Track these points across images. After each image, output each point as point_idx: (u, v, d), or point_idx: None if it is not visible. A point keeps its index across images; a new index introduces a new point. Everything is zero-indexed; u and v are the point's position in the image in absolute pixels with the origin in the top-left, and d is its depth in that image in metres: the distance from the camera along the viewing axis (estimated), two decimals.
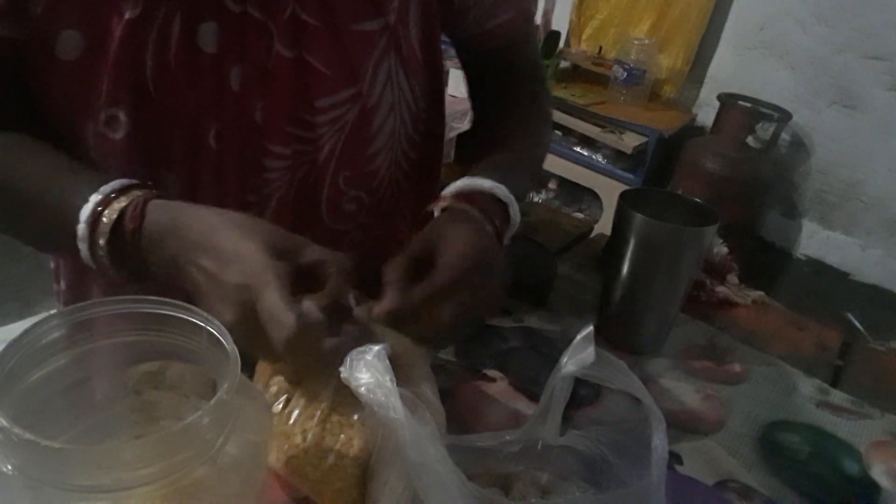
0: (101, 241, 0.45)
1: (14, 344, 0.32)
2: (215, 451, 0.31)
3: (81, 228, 0.45)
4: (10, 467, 0.28)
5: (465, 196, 0.57)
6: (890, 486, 0.56)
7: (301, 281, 0.43)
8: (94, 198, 0.46)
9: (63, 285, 0.68)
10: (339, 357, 0.42)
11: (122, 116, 0.52)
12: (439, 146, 0.73)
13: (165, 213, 0.46)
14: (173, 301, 0.36)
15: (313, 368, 0.45)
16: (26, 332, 0.33)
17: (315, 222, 0.63)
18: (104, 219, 0.45)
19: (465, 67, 0.77)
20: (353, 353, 0.38)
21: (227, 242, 0.42)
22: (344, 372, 0.38)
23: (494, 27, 0.70)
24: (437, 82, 0.69)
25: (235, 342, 0.41)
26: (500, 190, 0.59)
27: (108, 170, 0.53)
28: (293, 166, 0.59)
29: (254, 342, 0.41)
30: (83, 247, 0.46)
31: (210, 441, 0.31)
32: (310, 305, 0.40)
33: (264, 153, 0.57)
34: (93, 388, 0.37)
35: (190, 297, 0.44)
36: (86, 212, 0.46)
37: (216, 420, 0.31)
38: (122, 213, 0.45)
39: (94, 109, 0.52)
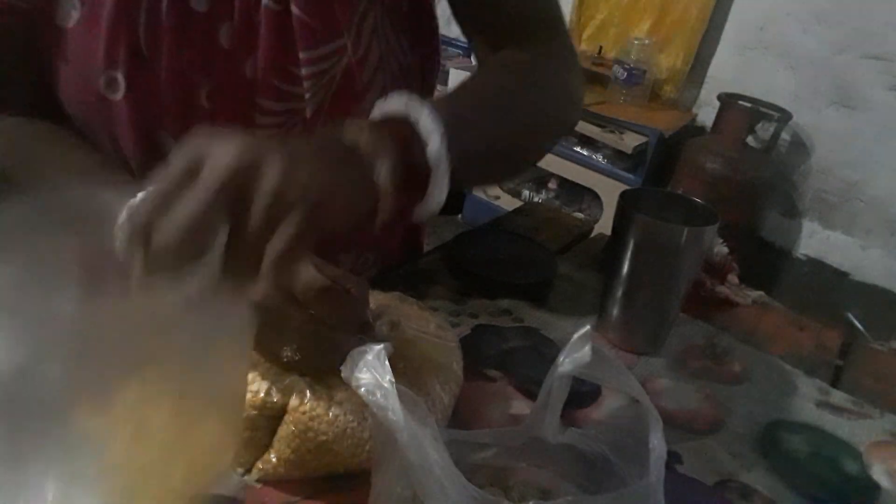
0: None
1: None
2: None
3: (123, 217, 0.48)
4: None
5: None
6: (890, 486, 0.56)
7: None
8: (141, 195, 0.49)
9: None
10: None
11: (120, 77, 0.53)
12: None
13: None
14: None
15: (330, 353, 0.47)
16: None
17: None
18: None
19: (466, 34, 0.69)
20: (354, 352, 0.38)
21: None
22: (344, 371, 0.38)
23: None
24: (427, 41, 0.68)
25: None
26: (422, 114, 0.45)
27: (111, 133, 0.56)
28: (285, 123, 0.60)
29: (272, 321, 0.44)
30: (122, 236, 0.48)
31: None
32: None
33: (256, 109, 0.58)
34: None
35: None
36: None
37: None
38: None
39: (94, 73, 0.53)
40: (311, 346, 0.46)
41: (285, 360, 0.47)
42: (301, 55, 0.58)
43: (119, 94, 0.54)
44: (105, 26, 0.52)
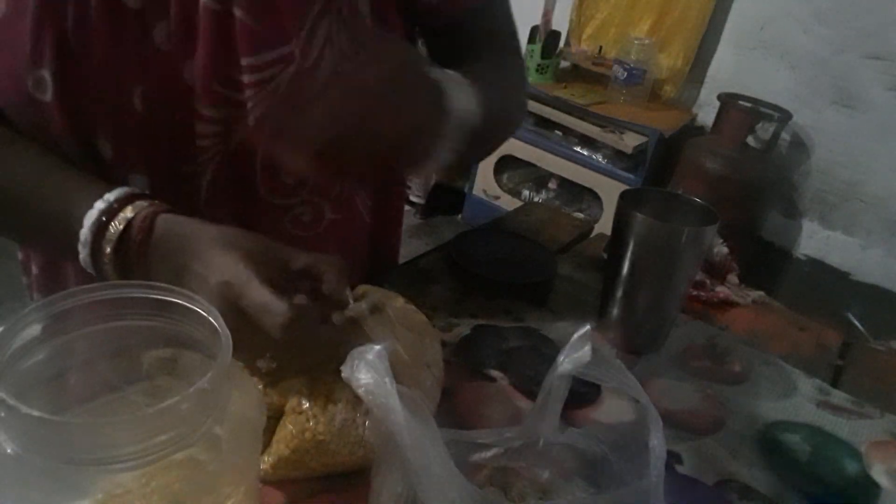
0: (108, 249, 0.47)
1: (19, 321, 0.32)
2: (200, 435, 0.32)
3: (84, 234, 0.47)
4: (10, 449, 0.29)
5: None
6: (890, 486, 0.56)
7: (300, 284, 0.46)
8: (99, 205, 0.47)
9: (35, 269, 0.67)
10: (328, 342, 0.47)
11: (47, 76, 0.51)
12: None
13: (173, 227, 0.48)
14: (180, 290, 0.36)
15: (309, 353, 0.48)
16: (37, 307, 0.33)
17: (250, 196, 0.61)
18: (111, 228, 0.47)
19: (428, 47, 0.72)
20: (354, 352, 0.38)
21: (216, 249, 0.45)
22: (345, 371, 0.38)
23: None
24: None
25: None
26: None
27: (50, 136, 0.53)
28: (226, 133, 0.57)
29: (235, 337, 0.43)
30: (84, 251, 0.47)
31: (194, 424, 0.31)
32: (299, 296, 0.44)
33: (194, 115, 0.55)
34: (104, 368, 0.38)
35: None
36: (90, 218, 0.47)
37: (199, 405, 0.31)
38: (129, 223, 0.47)
39: (20, 72, 0.51)
40: (283, 351, 0.47)
41: (264, 370, 0.47)
42: (243, 61, 0.54)
43: (48, 95, 0.51)
44: (30, 19, 0.49)
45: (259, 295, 0.43)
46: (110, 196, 0.48)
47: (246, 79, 0.55)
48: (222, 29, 0.53)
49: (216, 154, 0.58)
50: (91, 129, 0.53)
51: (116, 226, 0.47)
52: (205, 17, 0.53)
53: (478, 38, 0.69)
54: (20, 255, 0.70)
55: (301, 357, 0.48)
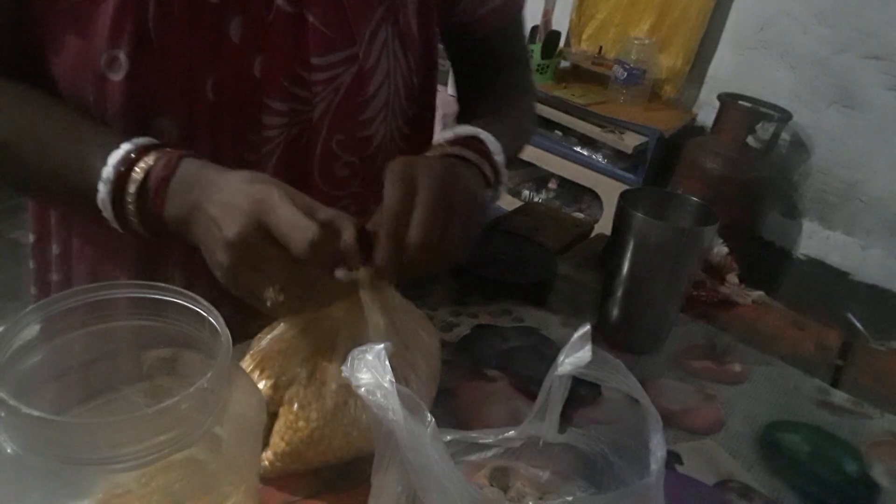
0: (132, 189, 0.48)
1: (19, 321, 0.32)
2: (200, 435, 0.32)
3: (107, 171, 0.48)
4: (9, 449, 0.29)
5: (452, 141, 0.60)
6: (890, 486, 0.56)
7: None
8: (126, 146, 0.49)
9: (56, 249, 0.68)
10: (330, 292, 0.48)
11: (122, 57, 0.53)
12: (430, 129, 0.75)
13: (197, 166, 0.49)
14: (181, 290, 0.36)
15: (313, 297, 0.48)
16: (37, 307, 0.33)
17: (307, 184, 0.64)
18: (137, 168, 0.49)
19: (453, 59, 0.78)
20: (354, 351, 0.38)
21: (244, 179, 0.47)
22: (345, 371, 0.38)
23: (486, 14, 0.72)
24: (431, 64, 0.70)
25: (232, 281, 0.46)
26: (487, 136, 0.60)
27: (107, 114, 0.55)
28: (289, 125, 0.61)
29: (253, 261, 0.45)
30: (104, 189, 0.49)
31: (194, 424, 0.31)
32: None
33: (262, 108, 0.59)
34: (104, 368, 0.38)
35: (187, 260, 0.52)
36: (115, 157, 0.49)
37: (199, 405, 0.31)
38: (153, 165, 0.49)
39: (95, 50, 0.53)
40: (293, 285, 0.46)
41: (269, 303, 0.46)
42: (314, 60, 0.58)
43: (119, 75, 0.53)
44: (112, 4, 0.52)
45: (291, 211, 0.43)
46: (138, 140, 0.50)
47: (313, 77, 0.59)
48: (294, 30, 0.57)
49: (279, 145, 0.61)
50: (153, 110, 0.56)
51: (142, 165, 0.49)
52: (278, 18, 0.56)
53: (504, 53, 0.77)
54: (31, 238, 0.71)
55: (307, 294, 0.48)
